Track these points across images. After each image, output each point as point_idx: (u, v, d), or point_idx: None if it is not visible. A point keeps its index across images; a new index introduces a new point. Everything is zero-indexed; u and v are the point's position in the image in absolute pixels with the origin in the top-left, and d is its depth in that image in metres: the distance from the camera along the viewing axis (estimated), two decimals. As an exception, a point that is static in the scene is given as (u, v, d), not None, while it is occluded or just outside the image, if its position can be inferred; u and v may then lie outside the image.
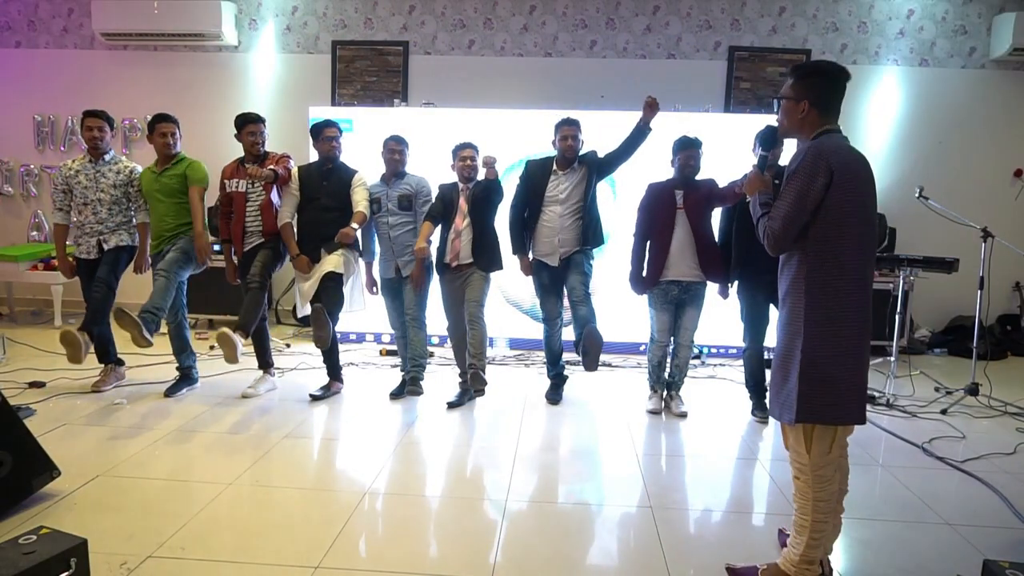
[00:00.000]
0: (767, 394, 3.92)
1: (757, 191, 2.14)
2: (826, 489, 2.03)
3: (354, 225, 3.75)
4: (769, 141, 2.32)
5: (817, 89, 2.04)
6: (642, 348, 4.09)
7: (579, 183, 3.86)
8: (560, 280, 3.94)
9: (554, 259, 3.89)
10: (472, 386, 3.88)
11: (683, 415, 3.87)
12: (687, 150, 3.76)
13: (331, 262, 3.79)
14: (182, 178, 3.86)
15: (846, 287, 1.94)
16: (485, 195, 3.81)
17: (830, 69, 2.06)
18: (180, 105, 6.13)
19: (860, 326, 1.97)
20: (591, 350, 3.72)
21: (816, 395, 1.95)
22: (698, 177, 3.85)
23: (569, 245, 3.87)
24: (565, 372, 4.21)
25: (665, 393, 4.02)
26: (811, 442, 2.00)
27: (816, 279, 1.95)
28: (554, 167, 3.91)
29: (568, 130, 3.85)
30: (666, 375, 4.01)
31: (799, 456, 2.04)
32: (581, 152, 3.94)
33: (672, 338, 3.95)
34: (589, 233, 3.90)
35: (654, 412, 3.91)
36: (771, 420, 3.87)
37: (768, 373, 3.99)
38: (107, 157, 3.92)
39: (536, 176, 3.92)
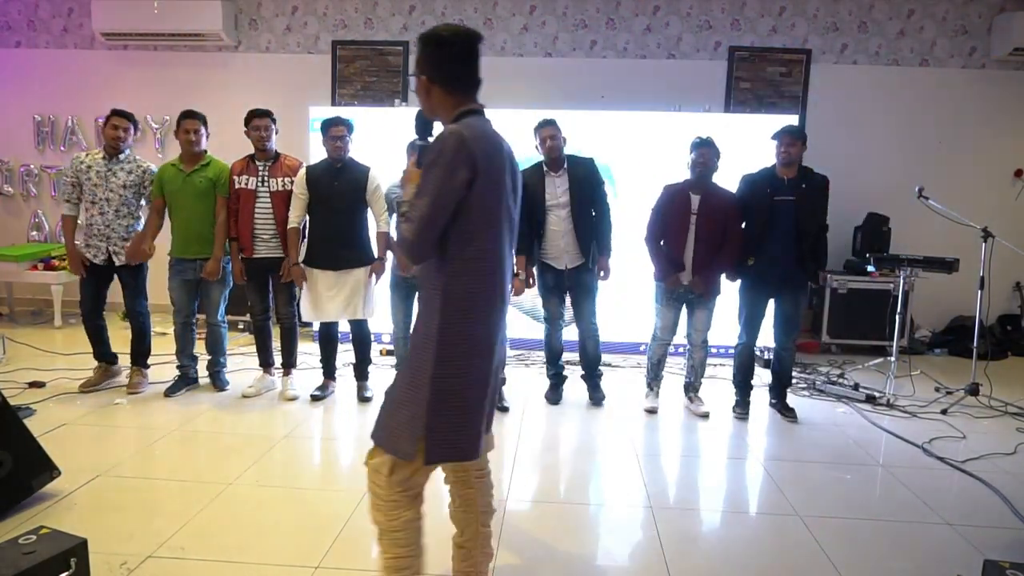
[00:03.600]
0: (751, 391, 3.96)
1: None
2: (400, 518, 1.71)
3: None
4: (421, 128, 1.86)
5: (434, 62, 1.70)
6: (642, 348, 4.10)
7: (575, 186, 3.83)
8: (564, 285, 3.94)
9: (560, 263, 3.88)
10: (497, 403, 3.89)
11: (705, 415, 3.87)
12: (698, 149, 3.70)
13: (356, 309, 3.88)
14: (209, 182, 3.86)
15: (486, 301, 1.65)
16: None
17: (444, 37, 1.71)
18: (180, 105, 6.06)
19: (491, 348, 1.70)
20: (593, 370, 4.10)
21: (443, 432, 1.66)
22: (719, 181, 3.77)
23: (574, 251, 3.86)
24: (564, 372, 4.21)
25: (684, 395, 4.05)
26: (395, 466, 1.69)
27: (454, 293, 1.63)
28: (545, 170, 3.88)
29: (547, 131, 3.81)
30: (683, 378, 4.06)
31: (378, 479, 1.71)
32: (568, 152, 3.91)
33: (685, 338, 3.97)
34: (598, 240, 3.89)
35: (651, 411, 3.92)
36: (766, 418, 3.88)
37: (758, 372, 4.03)
38: (121, 156, 3.91)
39: (532, 184, 3.87)
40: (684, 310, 3.89)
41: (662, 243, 3.83)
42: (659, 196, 3.86)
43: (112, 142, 3.84)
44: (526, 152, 5.01)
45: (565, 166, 3.87)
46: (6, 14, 6.25)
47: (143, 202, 3.97)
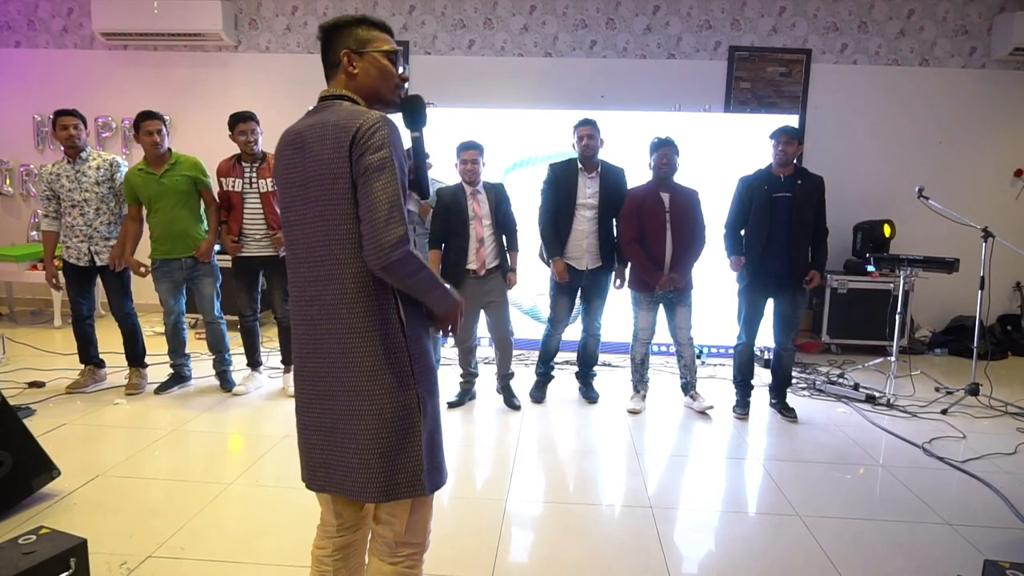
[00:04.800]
0: (751, 391, 3.97)
1: None
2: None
3: None
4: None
5: None
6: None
7: (605, 190, 3.88)
8: (578, 286, 3.96)
9: (581, 263, 3.90)
10: (508, 401, 3.98)
11: (709, 408, 3.89)
12: (661, 149, 3.78)
13: None
14: (188, 179, 3.86)
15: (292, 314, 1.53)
16: (505, 199, 3.86)
17: None
18: (180, 105, 6.17)
19: (300, 362, 1.51)
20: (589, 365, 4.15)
21: None
22: (681, 180, 3.86)
23: (595, 252, 3.89)
24: (553, 372, 4.22)
25: (684, 395, 4.05)
26: None
27: None
28: (579, 167, 3.90)
29: (584, 130, 3.85)
30: (679, 379, 4.07)
31: None
32: (604, 157, 3.96)
33: (671, 338, 3.98)
34: (615, 249, 3.94)
35: (634, 412, 3.92)
36: (766, 418, 3.88)
37: (758, 372, 4.03)
38: (83, 154, 3.86)
39: (563, 179, 3.90)
40: (662, 310, 3.94)
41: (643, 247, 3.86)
42: (627, 201, 3.88)
43: (68, 142, 3.78)
44: (529, 150, 5.06)
45: (599, 169, 3.90)
46: (6, 14, 6.25)
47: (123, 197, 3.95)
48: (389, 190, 1.34)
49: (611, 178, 3.92)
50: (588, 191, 3.88)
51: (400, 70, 1.54)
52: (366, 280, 1.40)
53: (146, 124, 3.76)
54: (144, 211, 3.91)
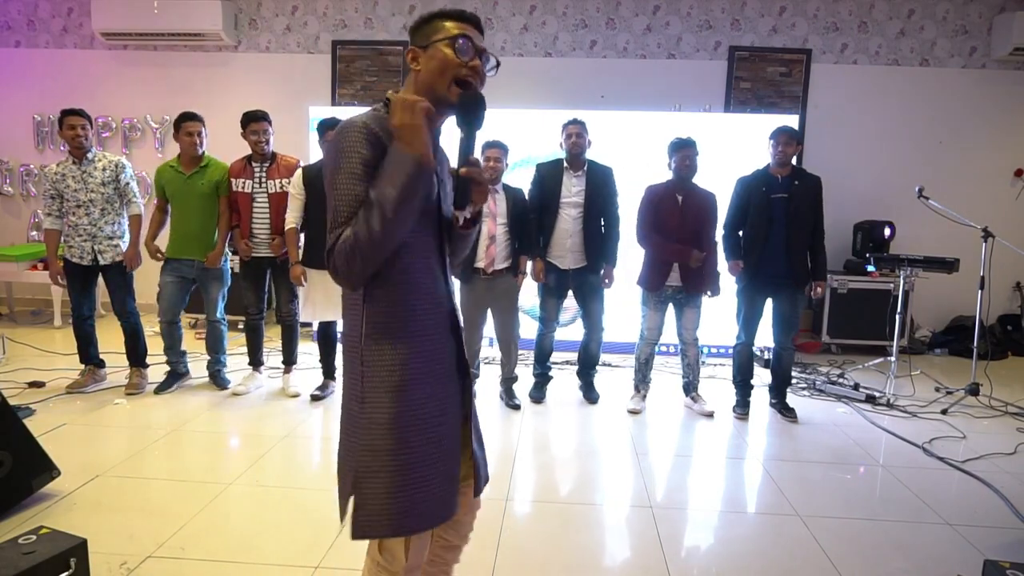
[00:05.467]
0: (751, 391, 3.98)
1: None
2: None
3: None
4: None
5: None
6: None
7: (591, 189, 3.88)
8: (566, 286, 3.97)
9: (565, 262, 3.90)
10: (509, 401, 3.99)
11: (710, 415, 3.88)
12: (683, 150, 3.75)
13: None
14: (213, 184, 3.89)
15: None
16: (522, 203, 3.87)
17: None
18: (180, 105, 6.10)
19: None
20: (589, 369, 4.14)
21: None
22: (699, 181, 3.85)
23: (579, 251, 3.88)
24: (550, 372, 4.22)
25: (686, 396, 4.05)
26: None
27: None
28: (565, 166, 3.92)
29: (573, 128, 3.87)
30: (681, 378, 4.07)
31: None
32: (591, 157, 3.96)
33: (677, 337, 3.98)
34: (605, 248, 3.93)
35: (634, 412, 3.92)
36: (766, 418, 3.88)
37: (756, 370, 4.03)
38: (89, 155, 3.87)
39: (549, 178, 3.92)
40: (671, 310, 3.94)
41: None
42: (644, 197, 3.89)
43: (74, 142, 3.78)
44: (529, 150, 5.05)
45: (585, 168, 3.91)
46: (6, 14, 6.25)
47: (135, 199, 3.96)
48: (330, 204, 1.29)
49: (598, 177, 3.92)
50: (574, 189, 3.88)
51: (468, 58, 1.34)
52: (350, 296, 1.37)
53: (187, 125, 3.83)
54: (168, 206, 3.97)
